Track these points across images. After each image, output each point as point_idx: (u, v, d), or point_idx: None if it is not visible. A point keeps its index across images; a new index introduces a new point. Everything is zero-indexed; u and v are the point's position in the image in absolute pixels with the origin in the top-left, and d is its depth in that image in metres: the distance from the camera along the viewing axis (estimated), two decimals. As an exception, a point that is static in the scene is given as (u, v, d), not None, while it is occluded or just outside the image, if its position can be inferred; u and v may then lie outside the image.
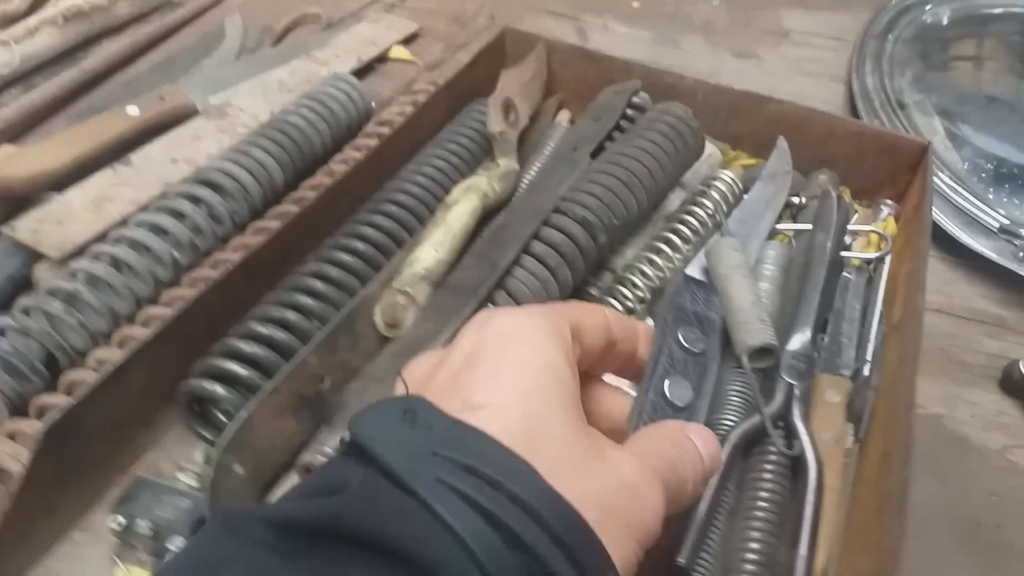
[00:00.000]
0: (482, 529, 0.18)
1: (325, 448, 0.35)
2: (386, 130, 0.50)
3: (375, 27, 0.68)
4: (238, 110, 0.55)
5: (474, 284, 0.38)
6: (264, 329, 0.38)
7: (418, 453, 0.19)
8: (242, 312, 0.39)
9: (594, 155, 0.49)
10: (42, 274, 0.43)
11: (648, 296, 0.43)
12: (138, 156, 0.50)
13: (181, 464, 0.35)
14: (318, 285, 0.40)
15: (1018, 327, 0.47)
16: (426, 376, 0.23)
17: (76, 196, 0.47)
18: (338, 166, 0.49)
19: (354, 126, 0.56)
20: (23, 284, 0.44)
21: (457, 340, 0.24)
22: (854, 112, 0.63)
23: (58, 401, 0.35)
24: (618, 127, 0.51)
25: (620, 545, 0.20)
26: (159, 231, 0.44)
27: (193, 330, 0.37)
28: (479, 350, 0.22)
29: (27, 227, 0.44)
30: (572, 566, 0.18)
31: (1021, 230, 0.49)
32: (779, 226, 0.49)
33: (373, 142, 0.49)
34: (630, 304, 0.43)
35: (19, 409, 0.38)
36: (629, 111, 0.52)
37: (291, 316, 0.39)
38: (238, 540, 0.18)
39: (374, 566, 0.18)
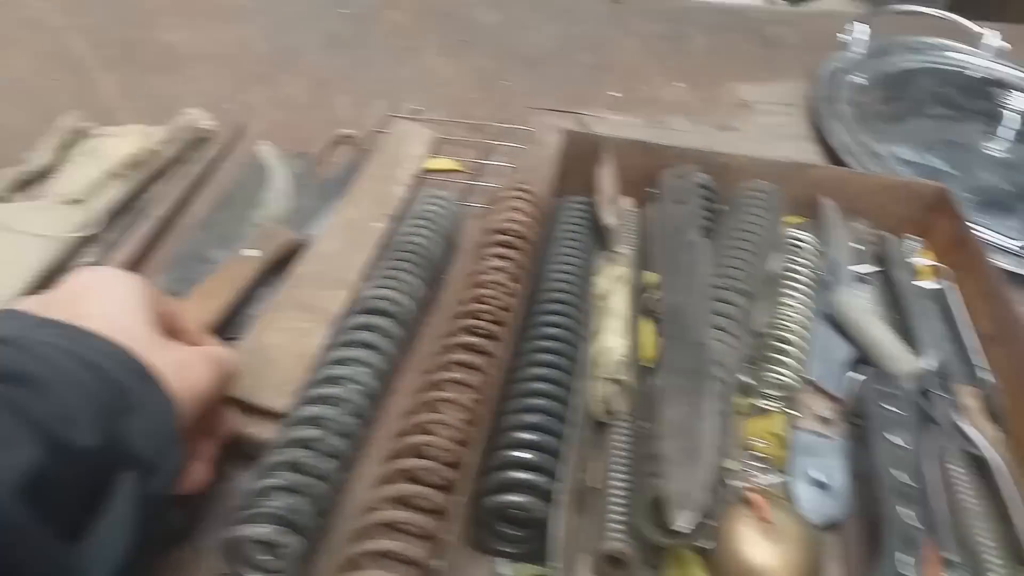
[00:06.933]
0: (70, 360, 0.29)
1: (619, 535, 0.38)
2: (515, 240, 0.54)
3: (403, 141, 0.71)
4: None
5: (699, 363, 0.43)
6: (529, 436, 0.40)
7: (26, 326, 0.31)
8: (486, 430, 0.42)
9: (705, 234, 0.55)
10: (261, 430, 0.43)
11: (799, 349, 0.50)
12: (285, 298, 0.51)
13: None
14: (546, 387, 0.43)
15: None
16: (38, 308, 0.33)
17: (252, 344, 0.47)
18: (487, 277, 0.52)
19: (453, 239, 0.59)
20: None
21: (61, 287, 0.36)
22: (840, 166, 0.74)
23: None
24: (704, 206, 0.58)
25: (174, 387, 0.32)
26: (361, 363, 0.45)
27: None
28: (85, 290, 0.35)
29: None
30: (125, 375, 0.30)
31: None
32: (860, 269, 0.57)
33: (513, 253, 0.53)
34: (791, 359, 0.49)
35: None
36: (704, 191, 0.60)
37: (539, 419, 0.42)
38: None
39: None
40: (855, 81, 0.87)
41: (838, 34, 0.92)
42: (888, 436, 0.42)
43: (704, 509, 0.35)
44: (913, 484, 0.40)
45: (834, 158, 0.76)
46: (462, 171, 0.71)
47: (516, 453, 0.39)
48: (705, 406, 0.40)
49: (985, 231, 0.63)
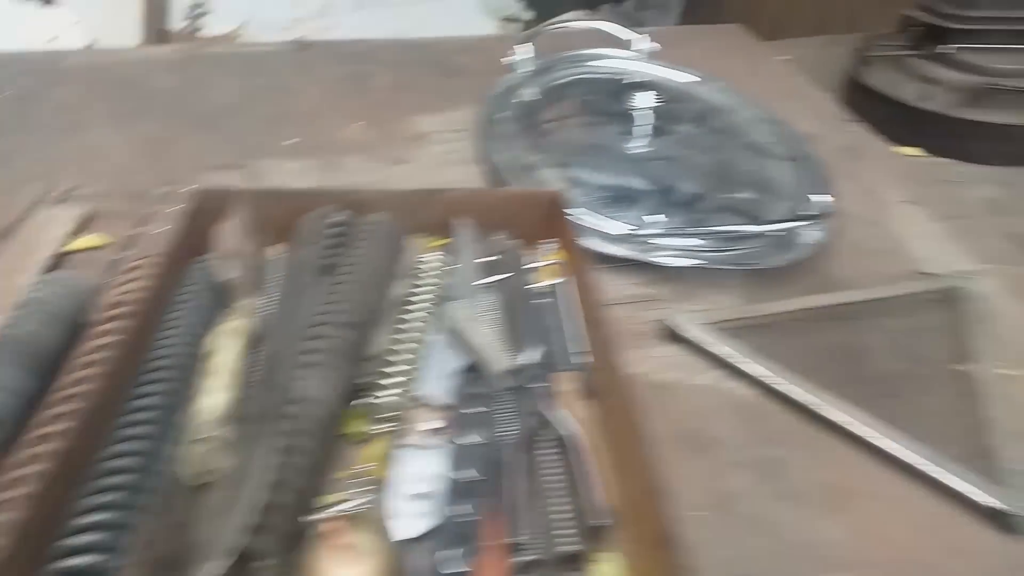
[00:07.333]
0: None
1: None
2: (125, 310, 0.53)
3: (46, 223, 0.68)
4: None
5: (270, 407, 0.44)
6: (87, 519, 0.40)
7: None
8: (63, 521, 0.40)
9: (324, 272, 0.57)
10: None
11: (409, 368, 0.52)
12: None
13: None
14: (118, 463, 0.43)
15: (660, 298, 0.65)
16: None
17: None
18: (93, 356, 0.50)
19: (77, 321, 0.57)
20: None
21: None
22: (501, 185, 0.79)
23: None
24: (332, 244, 0.60)
25: None
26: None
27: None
28: None
29: None
30: None
31: (638, 232, 0.68)
32: (484, 281, 0.61)
33: (119, 325, 0.52)
34: (400, 379, 0.51)
35: None
36: (335, 229, 0.61)
37: (114, 497, 0.41)
38: None
39: None
40: (521, 100, 0.92)
41: (501, 58, 0.98)
42: (458, 439, 0.45)
43: (238, 552, 0.36)
44: (481, 478, 0.43)
45: (497, 177, 0.80)
46: (111, 245, 0.69)
47: (69, 541, 0.38)
48: (263, 448, 0.41)
49: (607, 223, 0.69)
